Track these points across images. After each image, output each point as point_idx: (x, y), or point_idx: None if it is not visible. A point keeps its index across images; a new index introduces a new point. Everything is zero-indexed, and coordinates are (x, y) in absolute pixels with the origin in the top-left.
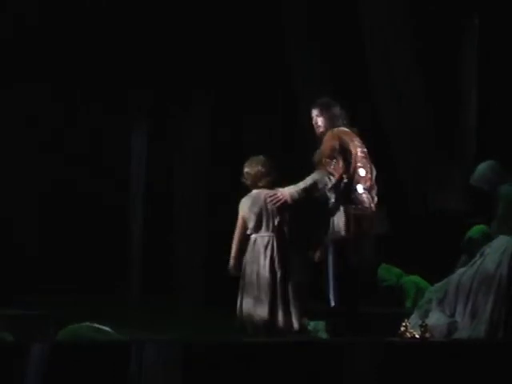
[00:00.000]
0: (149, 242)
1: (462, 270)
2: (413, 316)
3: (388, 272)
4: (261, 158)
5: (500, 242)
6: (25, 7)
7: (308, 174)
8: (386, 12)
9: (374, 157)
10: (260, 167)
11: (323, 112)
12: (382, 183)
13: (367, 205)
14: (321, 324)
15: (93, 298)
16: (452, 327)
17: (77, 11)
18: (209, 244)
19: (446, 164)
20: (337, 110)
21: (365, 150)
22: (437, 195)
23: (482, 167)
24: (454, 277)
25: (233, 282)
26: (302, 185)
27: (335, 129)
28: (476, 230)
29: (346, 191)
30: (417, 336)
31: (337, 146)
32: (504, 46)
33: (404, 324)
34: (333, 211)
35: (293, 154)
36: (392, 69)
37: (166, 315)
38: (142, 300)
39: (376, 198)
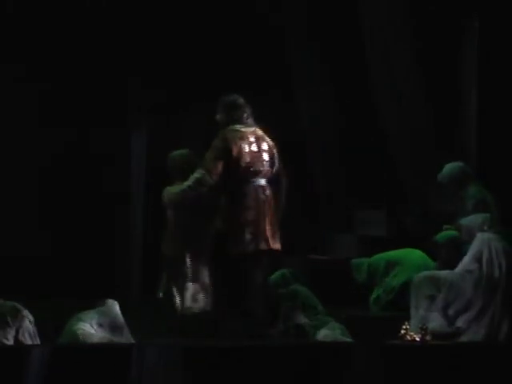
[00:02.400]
0: (149, 242)
1: (465, 275)
2: (412, 316)
3: (358, 268)
4: (183, 151)
5: (491, 243)
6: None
7: None
8: (386, 12)
9: (375, 157)
10: (181, 160)
11: (218, 111)
12: (382, 183)
13: (256, 198)
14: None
15: (93, 299)
16: (456, 334)
17: (76, 9)
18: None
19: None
20: (230, 108)
21: (264, 146)
22: (436, 196)
23: (452, 167)
24: (457, 282)
25: None
26: (182, 186)
27: (224, 129)
28: (444, 234)
29: (230, 188)
30: (417, 339)
31: (219, 146)
32: (504, 46)
33: (404, 327)
34: (217, 208)
35: (293, 154)
36: (392, 69)
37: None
38: (141, 300)
39: (283, 188)
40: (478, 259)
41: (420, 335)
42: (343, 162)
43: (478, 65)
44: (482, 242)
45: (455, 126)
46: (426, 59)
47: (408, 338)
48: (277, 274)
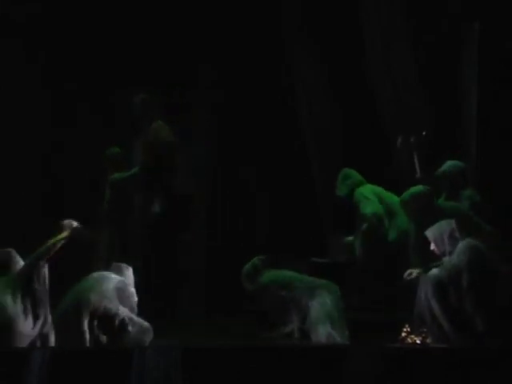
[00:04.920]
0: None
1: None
2: None
3: (342, 180)
4: (116, 149)
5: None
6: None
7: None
8: (387, 13)
9: (375, 157)
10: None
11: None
12: (383, 184)
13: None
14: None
15: None
16: None
17: (75, 8)
18: (208, 246)
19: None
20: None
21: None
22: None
23: (453, 164)
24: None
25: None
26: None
27: (156, 125)
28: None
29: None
30: (418, 342)
31: (150, 140)
32: (504, 48)
33: (405, 330)
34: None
35: (293, 154)
36: (392, 70)
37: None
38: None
39: None
40: (470, 266)
41: (421, 338)
42: (344, 164)
43: (479, 66)
44: (474, 251)
45: (456, 126)
46: (427, 61)
47: (409, 341)
48: (248, 264)
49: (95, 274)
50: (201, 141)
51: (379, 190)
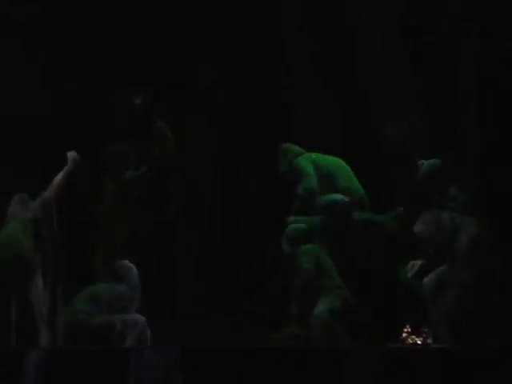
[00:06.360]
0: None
1: None
2: None
3: (283, 156)
4: (123, 148)
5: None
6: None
7: None
8: (387, 13)
9: (374, 157)
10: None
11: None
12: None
13: None
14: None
15: None
16: None
17: (75, 8)
18: (209, 246)
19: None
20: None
21: None
22: None
23: (432, 164)
24: None
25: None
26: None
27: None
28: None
29: None
30: (418, 342)
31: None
32: (505, 48)
33: (405, 330)
34: None
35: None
36: (390, 72)
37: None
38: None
39: None
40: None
41: (421, 338)
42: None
43: (479, 66)
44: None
45: (456, 126)
46: (427, 61)
47: (409, 341)
48: (297, 229)
49: (86, 293)
50: (201, 141)
51: (315, 156)
